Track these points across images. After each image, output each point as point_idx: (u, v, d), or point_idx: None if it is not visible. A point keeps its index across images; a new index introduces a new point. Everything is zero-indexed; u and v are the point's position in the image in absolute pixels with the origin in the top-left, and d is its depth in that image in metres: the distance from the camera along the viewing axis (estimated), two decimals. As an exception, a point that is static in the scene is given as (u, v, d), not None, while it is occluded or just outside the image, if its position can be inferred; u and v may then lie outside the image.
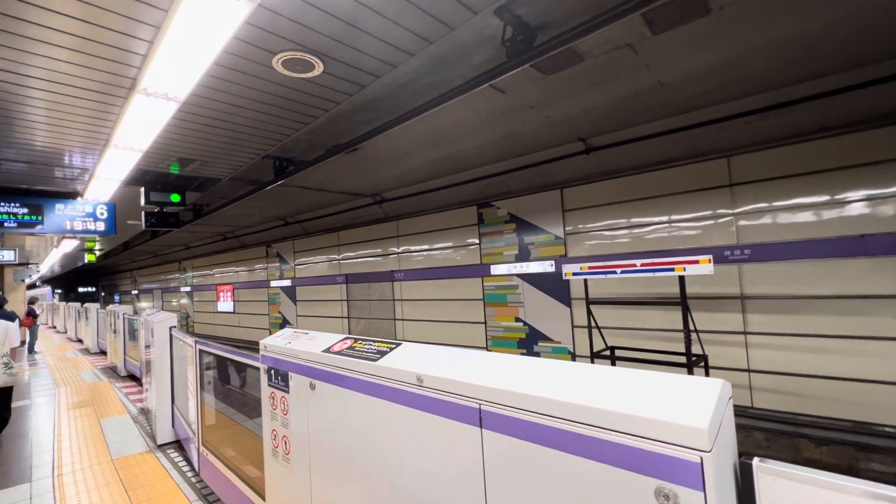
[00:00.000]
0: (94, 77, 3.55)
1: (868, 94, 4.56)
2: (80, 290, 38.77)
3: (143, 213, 7.00)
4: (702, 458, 0.81)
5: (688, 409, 0.85)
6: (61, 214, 6.43)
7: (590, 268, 5.45)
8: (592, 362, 5.88)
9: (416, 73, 4.38)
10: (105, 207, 6.74)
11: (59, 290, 40.19)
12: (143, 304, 25.89)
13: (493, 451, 1.20)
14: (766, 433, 5.45)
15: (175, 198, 6.71)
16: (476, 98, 4.83)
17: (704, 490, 0.80)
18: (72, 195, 6.72)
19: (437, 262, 9.65)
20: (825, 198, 5.08)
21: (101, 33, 3.00)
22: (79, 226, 6.52)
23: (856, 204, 4.90)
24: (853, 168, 4.91)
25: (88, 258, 15.12)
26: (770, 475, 0.83)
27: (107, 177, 5.88)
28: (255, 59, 3.47)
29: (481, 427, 1.23)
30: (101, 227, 6.63)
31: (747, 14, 3.67)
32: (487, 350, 8.46)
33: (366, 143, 5.67)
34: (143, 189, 6.57)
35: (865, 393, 4.84)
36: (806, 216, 5.21)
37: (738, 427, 5.55)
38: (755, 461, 0.85)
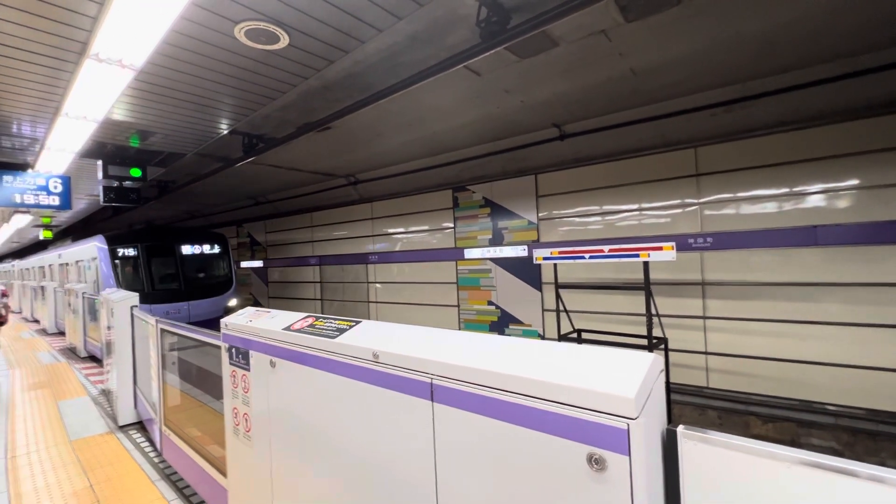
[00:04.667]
0: (41, 39, 3.31)
1: (823, 91, 4.75)
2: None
3: (101, 187, 6.67)
4: (628, 426, 0.85)
5: (618, 381, 0.90)
6: (10, 187, 6.05)
7: (560, 253, 5.56)
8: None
9: (390, 52, 4.28)
10: (59, 181, 6.38)
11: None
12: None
13: (442, 424, 1.24)
14: (719, 411, 5.77)
15: (135, 172, 6.40)
16: (451, 79, 4.78)
17: (630, 455, 0.85)
18: (21, 166, 6.32)
19: (412, 244, 9.63)
20: (783, 190, 5.31)
21: (46, -8, 2.79)
22: (30, 199, 6.15)
23: (811, 196, 5.14)
24: (810, 162, 5.14)
25: (44, 234, 14.35)
26: (692, 440, 0.89)
27: (59, 148, 5.55)
28: (216, 28, 3.30)
29: (433, 401, 1.26)
30: (54, 201, 6.28)
31: (715, 6, 3.74)
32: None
33: (338, 121, 5.54)
34: (100, 162, 6.24)
35: (810, 374, 5.17)
36: (764, 207, 5.44)
37: (694, 406, 5.86)
38: (679, 428, 0.91)
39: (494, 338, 1.32)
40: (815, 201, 5.12)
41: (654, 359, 0.96)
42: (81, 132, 5.08)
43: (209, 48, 3.60)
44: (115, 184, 6.63)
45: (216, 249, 11.12)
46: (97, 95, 4.04)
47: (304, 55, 3.81)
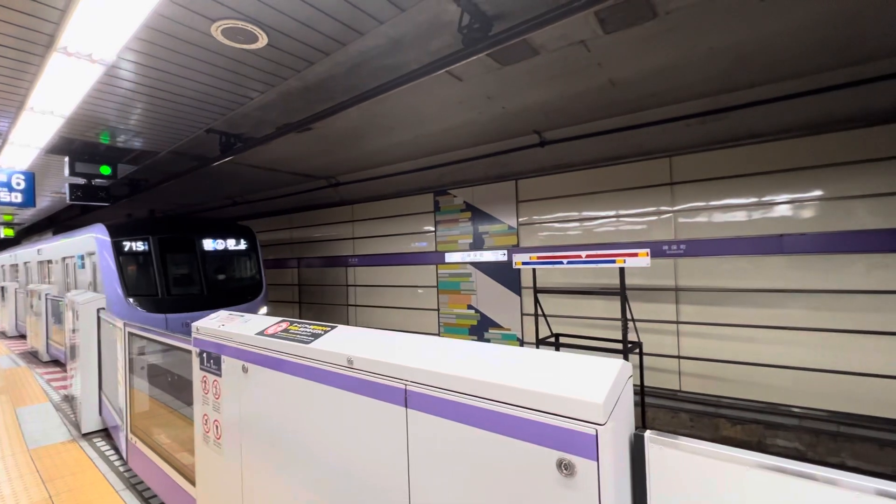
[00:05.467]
0: (4, 31, 3.16)
1: (791, 105, 4.97)
2: None
3: (67, 184, 6.41)
4: (597, 431, 0.87)
5: (587, 387, 0.91)
6: (-32, 182, 5.76)
7: (538, 258, 5.62)
8: (537, 349, 6.10)
9: (372, 54, 4.27)
10: (22, 177, 6.10)
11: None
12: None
13: (416, 430, 1.23)
14: (690, 414, 5.92)
15: (105, 170, 6.18)
16: (433, 84, 4.79)
17: (598, 460, 0.87)
18: (-18, 161, 6.03)
19: (393, 248, 9.58)
20: (752, 199, 5.51)
21: (11, -20, 2.68)
22: (-10, 196, 5.87)
23: (778, 206, 5.35)
24: (777, 173, 5.35)
25: (5, 233, 13.69)
26: (658, 445, 0.91)
27: (23, 143, 5.31)
28: (192, 25, 3.23)
29: (406, 407, 1.26)
30: (17, 198, 6.00)
31: (690, 22, 3.87)
32: (439, 337, 8.56)
33: (319, 123, 5.48)
34: (67, 159, 6.00)
35: (776, 377, 5.36)
36: (735, 216, 5.64)
37: (667, 409, 5.99)
38: (647, 433, 0.93)
39: (468, 344, 1.32)
40: (782, 211, 5.33)
41: (623, 365, 0.98)
42: (47, 127, 4.88)
43: (185, 45, 3.51)
44: (83, 181, 6.38)
45: (243, 245, 8.98)
46: (65, 90, 3.89)
47: (283, 55, 3.76)
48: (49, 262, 10.77)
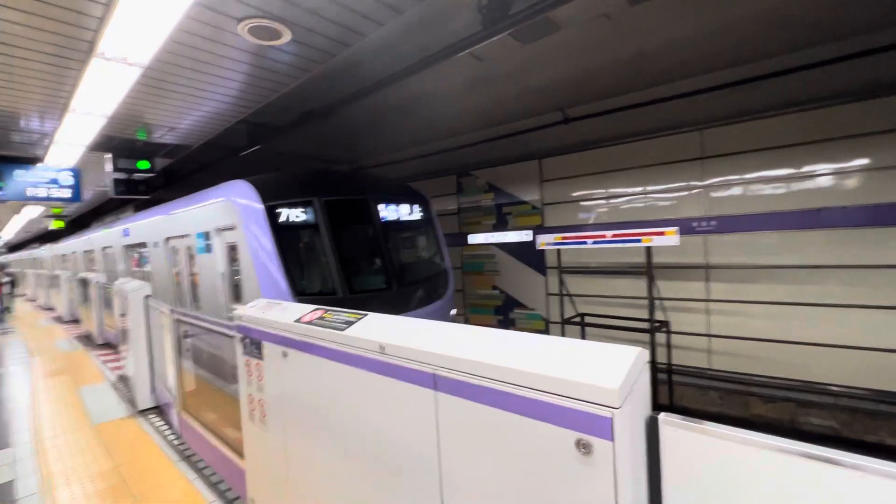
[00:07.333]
0: (48, 40, 3.36)
1: (832, 71, 4.67)
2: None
3: (111, 180, 6.78)
4: (612, 414, 0.94)
5: (604, 373, 0.98)
6: (21, 181, 6.17)
7: (563, 238, 5.60)
8: (563, 329, 6.15)
9: (392, 40, 4.28)
10: (70, 174, 6.49)
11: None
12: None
13: (445, 411, 1.33)
14: (720, 392, 5.88)
15: (144, 164, 6.49)
16: (453, 65, 4.76)
17: (613, 440, 0.94)
18: (31, 160, 6.43)
19: (417, 231, 9.68)
20: (788, 171, 5.27)
21: (53, -6, 2.82)
22: (41, 192, 6.28)
23: (816, 179, 5.11)
24: (816, 143, 5.08)
25: (55, 224, 14.57)
26: (672, 426, 0.97)
27: (68, 142, 5.64)
28: (220, 26, 3.33)
29: (436, 390, 1.36)
30: (65, 194, 6.40)
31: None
32: (467, 317, 8.71)
33: (341, 109, 5.56)
34: (109, 155, 6.33)
35: (811, 355, 5.23)
36: (769, 189, 5.42)
37: (696, 387, 5.96)
38: (661, 416, 0.99)
39: (493, 331, 1.40)
40: (820, 183, 5.09)
41: (640, 352, 1.04)
42: (89, 127, 5.16)
43: (214, 45, 3.63)
44: (125, 176, 6.73)
45: (421, 215, 6.09)
46: (104, 92, 4.11)
47: (307, 49, 3.83)
48: (137, 246, 8.11)
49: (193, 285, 5.90)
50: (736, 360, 5.79)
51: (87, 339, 9.61)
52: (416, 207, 5.98)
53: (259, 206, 4.57)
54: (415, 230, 6.07)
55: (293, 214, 4.70)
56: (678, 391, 6.02)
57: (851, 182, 4.90)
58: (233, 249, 4.90)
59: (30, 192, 6.26)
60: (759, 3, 3.91)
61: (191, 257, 5.86)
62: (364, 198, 5.29)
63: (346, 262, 4.81)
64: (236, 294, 4.97)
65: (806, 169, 5.16)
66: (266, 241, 4.45)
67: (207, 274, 5.41)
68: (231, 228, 4.79)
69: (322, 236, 4.74)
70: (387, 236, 5.31)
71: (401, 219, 5.68)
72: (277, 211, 4.62)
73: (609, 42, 4.63)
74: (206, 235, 5.29)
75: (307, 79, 4.83)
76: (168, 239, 6.42)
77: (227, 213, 4.82)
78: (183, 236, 5.94)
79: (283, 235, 4.56)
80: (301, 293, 4.44)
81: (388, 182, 6.09)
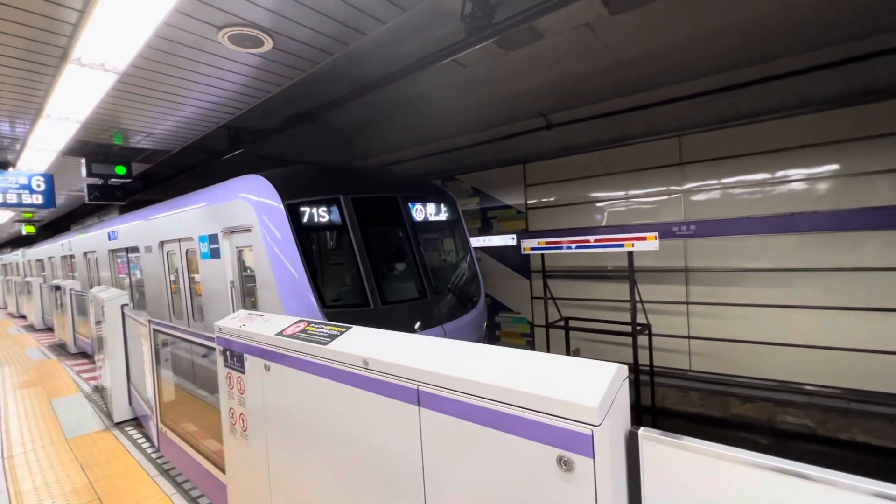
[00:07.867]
0: (20, 45, 3.25)
1: (809, 79, 4.82)
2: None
3: (85, 185, 6.59)
4: (592, 431, 0.95)
5: (584, 391, 0.99)
6: (-9, 186, 5.95)
7: (546, 243, 5.65)
8: (547, 332, 6.20)
9: (376, 45, 4.26)
10: (42, 179, 6.28)
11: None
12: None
13: (429, 427, 1.33)
14: (700, 393, 6.00)
15: (120, 170, 6.32)
16: (438, 71, 4.77)
17: (594, 457, 0.95)
18: (3, 165, 6.20)
19: (402, 235, 9.65)
20: (764, 177, 5.43)
21: (25, 1, 2.73)
22: (12, 198, 6.05)
23: (790, 184, 5.27)
24: (791, 150, 5.24)
25: (26, 230, 14.08)
26: (651, 442, 0.99)
27: (41, 147, 5.46)
28: (200, 33, 3.28)
29: (419, 405, 1.35)
30: (38, 199, 6.19)
31: (697, -1, 3.78)
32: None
33: (325, 113, 5.52)
34: (83, 160, 6.14)
35: (786, 355, 5.39)
36: (745, 195, 5.57)
37: (677, 388, 6.08)
38: (640, 430, 1.01)
39: (477, 346, 1.41)
40: (794, 189, 5.25)
41: (619, 368, 1.06)
42: (64, 132, 5.01)
43: (194, 52, 3.57)
44: (100, 181, 6.54)
45: (451, 215, 5.54)
46: (80, 97, 3.99)
47: (289, 57, 3.79)
48: (128, 251, 7.24)
49: (194, 296, 5.30)
50: (715, 361, 5.93)
51: (60, 349, 9.29)
52: (445, 207, 5.42)
53: (278, 205, 3.96)
54: (446, 232, 5.54)
55: (317, 214, 4.10)
56: (660, 393, 6.13)
57: (823, 187, 5.08)
58: (242, 254, 4.43)
59: (0, 197, 6.03)
60: (735, 14, 4.02)
61: (190, 263, 5.25)
62: (394, 195, 4.77)
63: (377, 269, 4.27)
64: (248, 306, 4.39)
65: (780, 174, 5.32)
66: (288, 246, 3.86)
67: (213, 283, 4.73)
68: (245, 230, 4.18)
69: (351, 240, 4.18)
70: (418, 239, 4.77)
71: (431, 219, 5.15)
72: (301, 210, 4.03)
73: (591, 50, 4.71)
74: (212, 238, 4.63)
75: (290, 85, 4.78)
76: (163, 243, 5.72)
77: (241, 213, 4.19)
78: (183, 239, 5.28)
79: (306, 238, 4.01)
80: (330, 305, 3.92)
81: (415, 178, 5.60)
